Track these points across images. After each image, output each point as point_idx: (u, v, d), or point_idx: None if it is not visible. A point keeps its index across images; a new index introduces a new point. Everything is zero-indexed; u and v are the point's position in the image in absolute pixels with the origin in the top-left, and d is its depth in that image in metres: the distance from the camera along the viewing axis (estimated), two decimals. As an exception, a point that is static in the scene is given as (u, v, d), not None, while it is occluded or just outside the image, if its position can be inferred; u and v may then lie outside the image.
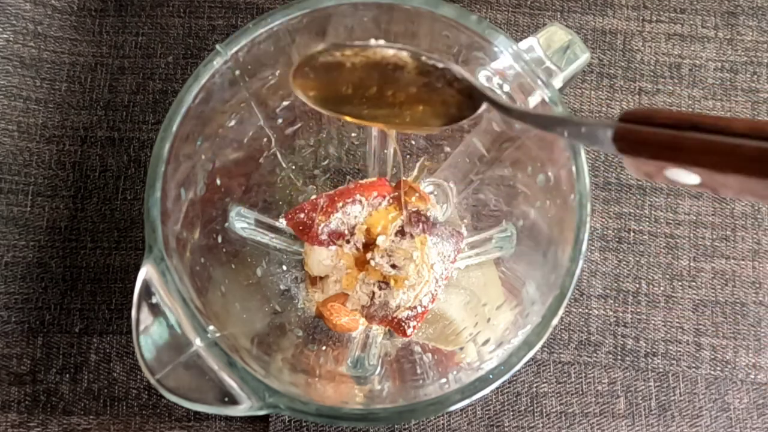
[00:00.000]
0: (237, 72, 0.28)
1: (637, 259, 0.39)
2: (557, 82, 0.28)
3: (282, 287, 0.36)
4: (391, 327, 0.35)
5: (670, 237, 0.39)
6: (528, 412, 0.36)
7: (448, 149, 0.36)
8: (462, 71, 0.24)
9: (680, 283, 0.38)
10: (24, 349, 0.36)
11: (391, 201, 0.35)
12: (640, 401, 0.37)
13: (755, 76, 0.41)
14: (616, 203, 0.39)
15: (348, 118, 0.26)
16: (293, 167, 0.36)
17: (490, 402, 0.36)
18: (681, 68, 0.41)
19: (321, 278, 0.36)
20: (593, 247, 0.39)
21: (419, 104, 0.25)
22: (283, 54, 0.29)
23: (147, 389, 0.36)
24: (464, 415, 0.36)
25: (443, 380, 0.29)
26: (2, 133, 0.38)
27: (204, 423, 0.36)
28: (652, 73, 0.41)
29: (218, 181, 0.31)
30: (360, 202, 0.35)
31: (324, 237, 0.35)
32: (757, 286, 0.38)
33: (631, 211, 0.39)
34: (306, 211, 0.35)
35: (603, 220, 0.39)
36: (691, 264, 0.39)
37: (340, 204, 0.35)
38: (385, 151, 0.36)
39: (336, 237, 0.35)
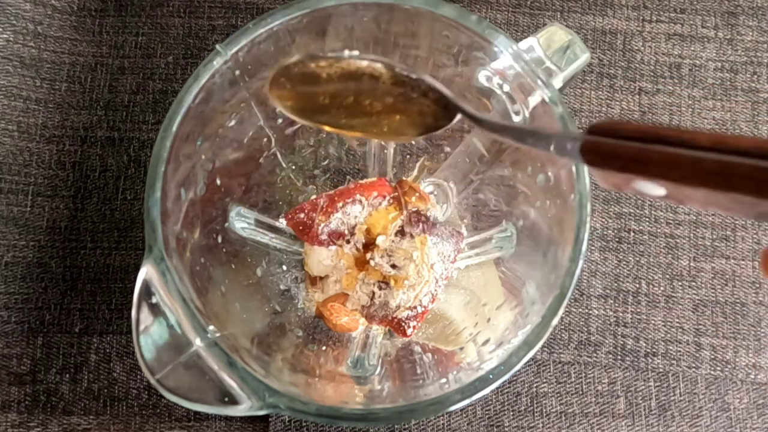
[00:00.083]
0: (237, 72, 0.28)
1: (637, 259, 0.39)
2: (557, 82, 0.28)
3: (282, 287, 0.36)
4: (391, 327, 0.35)
5: (670, 237, 0.39)
6: (528, 412, 0.36)
7: (448, 149, 0.36)
8: (435, 82, 0.24)
9: (680, 283, 0.38)
10: (24, 349, 0.36)
11: (391, 201, 0.35)
12: (640, 401, 0.37)
13: (755, 76, 0.41)
14: (616, 203, 0.39)
15: (327, 128, 0.27)
16: (293, 167, 0.36)
17: (490, 402, 0.36)
18: (681, 68, 0.41)
19: (321, 278, 0.36)
20: (593, 247, 0.39)
21: (396, 114, 0.26)
22: (283, 54, 0.28)
23: (147, 389, 0.36)
24: (464, 415, 0.36)
25: (443, 380, 0.29)
26: (2, 133, 0.38)
27: (204, 423, 0.36)
28: (652, 73, 0.41)
29: (218, 181, 0.31)
30: (360, 202, 0.35)
31: (324, 237, 0.35)
32: (757, 286, 0.38)
33: (631, 211, 0.39)
34: (306, 211, 0.35)
35: (603, 220, 0.39)
36: (691, 264, 0.39)
37: (340, 204, 0.35)
38: (385, 151, 0.36)
39: (336, 237, 0.35)
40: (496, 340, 0.29)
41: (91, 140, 0.39)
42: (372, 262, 0.34)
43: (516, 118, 0.29)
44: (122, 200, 0.38)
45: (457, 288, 0.36)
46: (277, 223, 0.36)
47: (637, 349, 0.37)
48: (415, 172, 0.38)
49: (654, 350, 0.37)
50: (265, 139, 0.33)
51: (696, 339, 0.38)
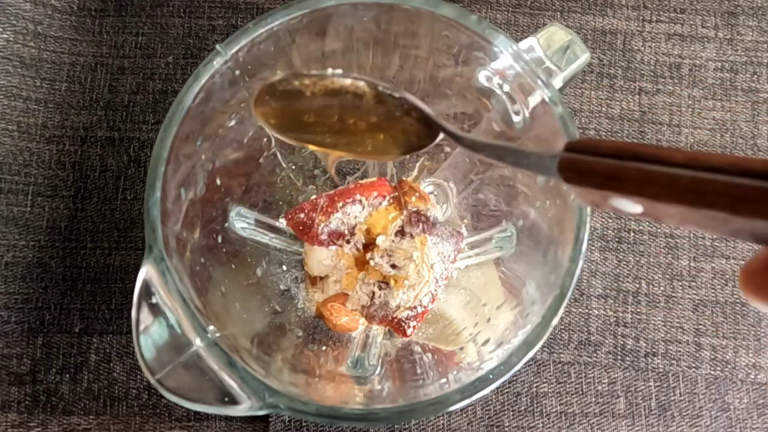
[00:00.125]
0: (237, 72, 0.28)
1: (637, 259, 0.39)
2: (557, 82, 0.28)
3: (282, 287, 0.36)
4: (391, 327, 0.35)
5: (670, 237, 0.39)
6: (528, 412, 0.36)
7: (448, 149, 0.36)
8: (417, 101, 0.25)
9: (680, 283, 0.38)
10: (24, 349, 0.36)
11: (391, 201, 0.35)
12: (640, 401, 0.37)
13: (755, 76, 0.41)
14: (616, 203, 0.39)
15: (311, 147, 0.27)
16: (293, 167, 0.36)
17: (490, 402, 0.36)
18: (681, 68, 0.41)
19: (321, 278, 0.36)
20: (593, 247, 0.39)
21: (380, 132, 0.26)
22: (283, 54, 0.29)
23: (147, 389, 0.36)
24: (464, 415, 0.36)
25: (443, 380, 0.29)
26: (2, 133, 0.38)
27: (204, 423, 0.36)
28: (652, 73, 0.41)
29: (218, 181, 0.31)
30: (360, 202, 0.35)
31: (324, 237, 0.35)
32: (757, 286, 0.38)
33: (631, 211, 0.39)
34: (306, 211, 0.35)
35: (603, 220, 0.39)
36: (691, 264, 0.39)
37: (340, 204, 0.35)
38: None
39: (336, 237, 0.35)
40: (496, 340, 0.29)
41: (91, 140, 0.39)
42: (372, 262, 0.34)
43: (516, 118, 0.29)
44: (122, 200, 0.38)
45: (457, 288, 0.36)
46: (277, 223, 0.36)
47: (637, 349, 0.37)
48: (415, 172, 0.38)
49: (654, 350, 0.37)
50: (265, 139, 0.33)
51: (696, 339, 0.38)
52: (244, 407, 0.24)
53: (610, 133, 0.40)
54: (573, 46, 0.28)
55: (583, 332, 0.37)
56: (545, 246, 0.30)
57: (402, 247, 0.34)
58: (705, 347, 0.38)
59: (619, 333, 0.38)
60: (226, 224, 0.33)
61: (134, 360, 0.36)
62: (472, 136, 0.24)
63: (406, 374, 0.33)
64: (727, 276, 0.38)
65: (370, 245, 0.35)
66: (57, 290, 0.37)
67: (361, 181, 0.36)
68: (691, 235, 0.39)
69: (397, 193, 0.35)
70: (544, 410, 0.36)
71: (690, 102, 0.41)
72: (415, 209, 0.35)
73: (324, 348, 0.35)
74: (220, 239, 0.32)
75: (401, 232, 0.35)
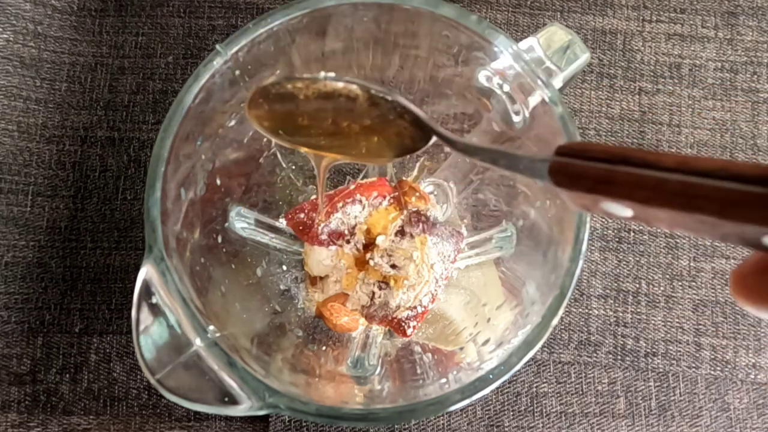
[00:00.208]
0: (237, 72, 0.28)
1: (637, 259, 0.39)
2: (557, 82, 0.28)
3: (282, 287, 0.36)
4: (391, 327, 0.35)
5: (670, 237, 0.39)
6: (528, 412, 0.36)
7: (448, 149, 0.36)
8: (410, 104, 0.25)
9: (680, 283, 0.38)
10: (24, 349, 0.36)
11: (391, 201, 0.35)
12: (640, 401, 0.37)
13: (755, 76, 0.41)
14: (616, 203, 0.39)
15: (305, 149, 0.27)
16: (293, 167, 0.36)
17: (490, 402, 0.36)
18: (681, 68, 0.41)
19: (321, 278, 0.36)
20: (593, 247, 0.39)
21: (374, 135, 0.26)
22: (283, 54, 0.29)
23: (147, 389, 0.36)
24: (464, 415, 0.36)
25: (443, 380, 0.29)
26: (2, 133, 0.38)
27: (204, 423, 0.36)
28: (652, 73, 0.41)
29: (218, 181, 0.31)
30: (360, 202, 0.35)
31: (324, 237, 0.35)
32: (757, 286, 0.38)
33: (631, 211, 0.39)
34: (306, 211, 0.35)
35: (603, 220, 0.39)
36: (691, 264, 0.39)
37: (340, 204, 0.35)
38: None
39: (336, 237, 0.35)
40: (496, 340, 0.29)
41: (91, 140, 0.39)
42: (372, 262, 0.34)
43: (516, 118, 0.29)
44: (122, 200, 0.38)
45: (457, 288, 0.36)
46: (277, 223, 0.36)
47: (637, 349, 0.37)
48: (415, 172, 0.38)
49: (654, 350, 0.37)
50: (265, 139, 0.33)
51: (696, 339, 0.38)
52: (244, 407, 0.24)
53: (610, 133, 0.40)
54: (573, 46, 0.28)
55: (583, 332, 0.37)
56: (545, 246, 0.30)
57: (402, 247, 0.34)
58: (705, 347, 0.38)
59: (619, 333, 0.38)
60: (226, 224, 0.33)
61: (134, 360, 0.36)
62: (464, 140, 0.24)
63: (406, 374, 0.33)
64: (727, 276, 0.38)
65: (370, 245, 0.35)
66: (57, 290, 0.37)
67: (361, 181, 0.36)
68: (691, 234, 0.39)
69: (397, 193, 0.35)
70: (544, 410, 0.36)
71: (690, 102, 0.41)
72: (415, 209, 0.35)
73: (324, 348, 0.35)
74: (220, 239, 0.32)
75: (401, 232, 0.35)
